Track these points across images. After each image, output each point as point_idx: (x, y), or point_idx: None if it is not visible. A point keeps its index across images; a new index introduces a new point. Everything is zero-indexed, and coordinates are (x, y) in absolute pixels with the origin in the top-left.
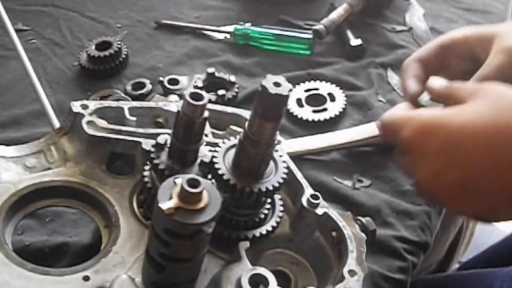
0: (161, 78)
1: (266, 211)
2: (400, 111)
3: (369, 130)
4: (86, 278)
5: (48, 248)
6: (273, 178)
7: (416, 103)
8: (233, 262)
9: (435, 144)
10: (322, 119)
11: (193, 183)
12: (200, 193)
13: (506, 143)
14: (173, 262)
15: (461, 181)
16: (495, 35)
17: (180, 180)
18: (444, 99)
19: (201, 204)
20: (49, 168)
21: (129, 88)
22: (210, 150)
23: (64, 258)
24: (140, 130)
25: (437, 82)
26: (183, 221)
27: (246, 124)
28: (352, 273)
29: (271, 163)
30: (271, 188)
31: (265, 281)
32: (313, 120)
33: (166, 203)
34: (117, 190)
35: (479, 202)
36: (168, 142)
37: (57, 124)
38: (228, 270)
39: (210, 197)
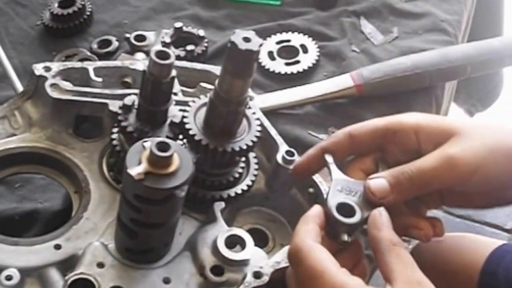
0: (127, 35)
1: (240, 170)
2: (326, 259)
3: (343, 81)
4: (58, 247)
5: (18, 215)
6: (246, 136)
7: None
8: (209, 223)
9: None
10: (295, 71)
11: (163, 146)
12: (170, 156)
13: None
14: (145, 227)
15: None
16: (453, 133)
17: (149, 143)
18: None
19: (172, 168)
20: (13, 134)
21: (95, 46)
22: (180, 110)
23: (35, 225)
24: (107, 91)
25: (380, 185)
26: (153, 186)
27: (216, 82)
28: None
29: (244, 121)
30: (244, 147)
31: (242, 242)
32: (285, 73)
33: (135, 169)
34: (86, 154)
35: None
36: (136, 103)
37: (20, 88)
38: (204, 232)
39: (181, 160)
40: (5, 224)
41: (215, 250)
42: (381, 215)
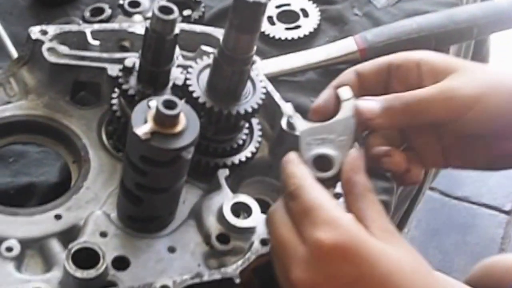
0: (121, 1)
1: (244, 137)
2: (323, 195)
3: (347, 45)
4: (58, 217)
5: (14, 189)
6: (251, 99)
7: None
8: (213, 191)
9: (348, 273)
10: (295, 37)
11: (169, 104)
12: (177, 115)
13: None
14: (150, 192)
15: None
16: (455, 69)
17: (155, 102)
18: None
19: (179, 128)
20: (9, 102)
21: (87, 14)
22: (182, 72)
23: (32, 199)
24: (105, 55)
25: (369, 105)
26: (160, 146)
27: (221, 39)
28: (338, 195)
29: (248, 83)
30: (250, 110)
31: (248, 209)
32: (286, 39)
33: (141, 128)
34: (84, 122)
35: None
36: (137, 65)
37: (15, 54)
38: (208, 200)
39: (188, 120)
40: (0, 199)
41: (220, 218)
42: (358, 158)
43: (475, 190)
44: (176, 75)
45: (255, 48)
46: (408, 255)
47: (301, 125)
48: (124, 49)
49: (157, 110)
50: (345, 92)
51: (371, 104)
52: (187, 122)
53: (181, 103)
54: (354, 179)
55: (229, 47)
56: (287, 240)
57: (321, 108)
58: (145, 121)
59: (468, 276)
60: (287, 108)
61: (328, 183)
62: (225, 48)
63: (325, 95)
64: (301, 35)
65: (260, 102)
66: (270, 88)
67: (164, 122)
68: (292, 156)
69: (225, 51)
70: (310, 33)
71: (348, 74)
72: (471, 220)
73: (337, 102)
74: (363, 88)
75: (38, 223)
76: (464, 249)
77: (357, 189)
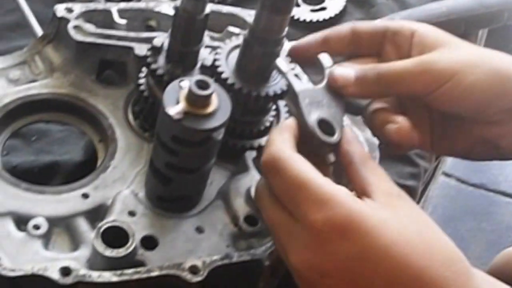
0: None
1: (271, 119)
2: (307, 168)
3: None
4: (86, 196)
5: (38, 168)
6: (280, 81)
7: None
8: (240, 173)
9: (349, 250)
10: (320, 19)
11: (202, 84)
12: (210, 96)
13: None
14: (180, 172)
15: None
16: (443, 44)
17: (187, 82)
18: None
19: (211, 109)
20: (34, 80)
21: None
22: (210, 53)
23: (56, 178)
24: (132, 34)
25: (344, 72)
26: (192, 127)
27: (252, 20)
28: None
29: None
30: (279, 91)
31: None
32: (311, 21)
33: (174, 108)
34: (110, 101)
35: None
36: (165, 44)
37: (39, 32)
38: (236, 181)
39: (220, 100)
40: (24, 177)
41: (249, 199)
42: (349, 130)
43: (492, 177)
44: (205, 55)
45: (286, 29)
46: (412, 220)
47: (298, 85)
48: (150, 28)
49: (190, 90)
50: (327, 60)
51: (346, 71)
52: (219, 103)
53: (213, 84)
54: (351, 150)
55: (261, 28)
56: (278, 221)
57: (300, 47)
58: (177, 102)
59: (490, 266)
60: None
61: (330, 150)
62: (256, 29)
63: (312, 38)
64: (327, 17)
65: None
66: (298, 70)
67: (197, 102)
68: (283, 122)
69: (256, 32)
70: (336, 15)
71: (344, 27)
72: (487, 207)
73: (319, 49)
74: (355, 45)
75: (66, 201)
76: (480, 236)
77: (356, 159)
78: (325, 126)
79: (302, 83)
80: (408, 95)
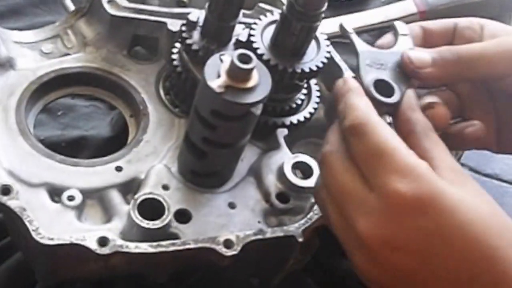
0: None
1: (302, 97)
2: (394, 136)
3: (406, 7)
4: (119, 169)
5: (65, 142)
6: (315, 58)
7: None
8: (271, 150)
9: (426, 226)
10: None
11: (244, 58)
12: (251, 70)
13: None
14: (216, 147)
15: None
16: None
17: (229, 56)
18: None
19: (251, 83)
20: (67, 54)
21: None
22: (244, 29)
23: (83, 152)
24: (165, 10)
25: (420, 54)
26: (233, 100)
27: None
28: None
29: (313, 42)
30: (314, 68)
31: (308, 169)
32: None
33: (215, 81)
34: (142, 76)
35: None
36: (201, 19)
37: (71, 7)
38: (268, 158)
39: (260, 76)
40: (52, 151)
41: (281, 176)
42: (414, 97)
43: (505, 167)
44: (239, 31)
45: (326, 4)
46: (483, 200)
47: (361, 45)
48: (181, 4)
49: (232, 63)
50: (402, 27)
51: (422, 53)
52: (259, 78)
53: (255, 58)
54: (414, 117)
55: (300, 3)
56: (351, 187)
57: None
58: (218, 75)
59: None
60: (347, 71)
61: (384, 111)
62: (296, 3)
63: (388, 38)
64: None
65: (325, 61)
66: (330, 48)
67: (238, 76)
68: (353, 83)
69: (296, 6)
70: None
71: (414, 26)
72: (500, 198)
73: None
74: (427, 43)
75: (99, 174)
76: None
77: (419, 127)
78: (383, 86)
79: (364, 44)
80: (487, 77)
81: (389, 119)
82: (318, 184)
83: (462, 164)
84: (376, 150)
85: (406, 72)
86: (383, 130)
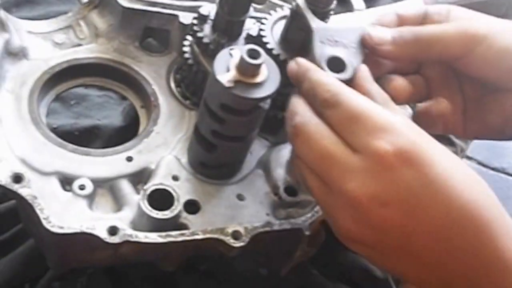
0: None
1: None
2: (366, 100)
3: (414, 5)
4: (129, 159)
5: (78, 131)
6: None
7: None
8: (280, 144)
9: (412, 178)
10: None
11: (253, 54)
12: (260, 65)
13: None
14: (225, 140)
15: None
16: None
17: (238, 51)
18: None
19: (260, 78)
20: (79, 45)
21: None
22: (255, 24)
23: (96, 141)
24: (177, 3)
25: (380, 32)
26: (242, 95)
27: None
28: None
29: None
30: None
31: None
32: None
33: (225, 76)
34: (154, 68)
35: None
36: (212, 13)
37: None
38: (277, 152)
39: (269, 71)
40: (64, 139)
41: (289, 170)
42: (367, 70)
43: None
44: (250, 26)
45: (335, 2)
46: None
47: (316, 21)
48: None
49: (241, 59)
50: (358, 2)
51: (383, 31)
52: (268, 73)
53: (264, 54)
54: (371, 89)
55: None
56: (334, 151)
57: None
58: (228, 70)
59: None
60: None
61: None
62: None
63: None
64: None
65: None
66: None
67: (247, 71)
68: (306, 62)
69: (305, 2)
70: None
71: (390, 15)
72: (507, 191)
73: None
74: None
75: (110, 163)
76: None
77: (378, 99)
78: (336, 62)
79: (318, 21)
80: (444, 57)
81: None
82: (292, 156)
83: (470, 158)
84: (354, 114)
85: (366, 48)
86: (356, 96)
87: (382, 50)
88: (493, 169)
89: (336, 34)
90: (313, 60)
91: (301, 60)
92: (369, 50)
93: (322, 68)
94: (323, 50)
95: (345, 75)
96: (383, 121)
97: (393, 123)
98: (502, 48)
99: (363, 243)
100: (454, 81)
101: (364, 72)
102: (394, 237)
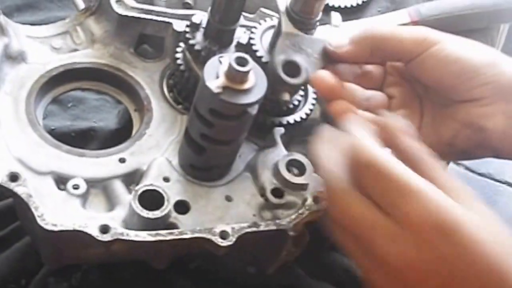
0: None
1: (299, 98)
2: (403, 167)
3: (399, 17)
4: (122, 160)
5: (74, 132)
6: None
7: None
8: (268, 148)
9: (449, 247)
10: (348, 5)
11: (241, 61)
12: (248, 72)
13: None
14: (214, 143)
15: None
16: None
17: (227, 58)
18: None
19: (248, 85)
20: (76, 50)
21: None
22: (245, 32)
23: (92, 143)
24: (171, 11)
25: (339, 39)
26: (230, 101)
27: (289, 1)
28: None
29: None
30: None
31: (302, 167)
32: (339, 7)
33: (214, 82)
34: (148, 73)
35: None
36: (204, 21)
37: (82, 5)
38: (264, 155)
39: (256, 77)
40: (61, 140)
41: (276, 173)
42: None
43: (499, 168)
44: (240, 34)
45: (320, 13)
46: (494, 219)
47: (287, 26)
48: (186, 6)
49: (230, 66)
50: (336, 18)
51: (341, 38)
52: (256, 80)
53: (251, 61)
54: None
55: (296, 10)
56: (370, 219)
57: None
58: (217, 76)
59: None
60: None
61: (287, 90)
62: (292, 10)
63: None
64: (354, 4)
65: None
66: None
67: (235, 77)
68: (355, 118)
69: (292, 13)
70: (363, 2)
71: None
72: (493, 196)
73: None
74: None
75: (103, 164)
76: None
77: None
78: (292, 67)
79: (291, 27)
80: (398, 55)
81: (288, 96)
82: (329, 218)
83: (458, 164)
84: (394, 186)
85: (327, 54)
86: (396, 167)
87: (342, 52)
88: (480, 174)
89: (303, 42)
90: (271, 60)
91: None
92: (330, 57)
93: (276, 69)
94: (285, 53)
95: (297, 80)
96: (420, 188)
97: (430, 192)
98: (452, 52)
99: None
100: (414, 101)
101: (322, 75)
102: None
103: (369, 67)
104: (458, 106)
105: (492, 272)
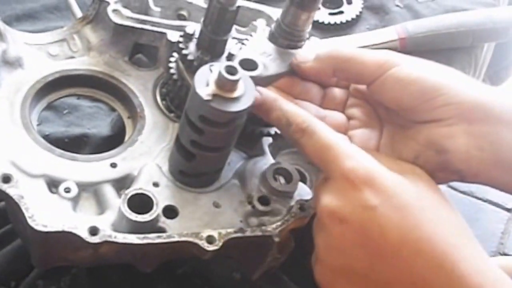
0: None
1: None
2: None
3: (388, 34)
4: (114, 165)
5: (68, 138)
6: None
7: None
8: (256, 156)
9: (369, 197)
10: (338, 22)
11: (231, 70)
12: (237, 81)
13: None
14: (204, 150)
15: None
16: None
17: (217, 67)
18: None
19: (237, 93)
20: (72, 57)
21: None
22: (237, 44)
23: (85, 149)
24: (165, 22)
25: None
26: (220, 108)
27: (280, 14)
28: None
29: None
30: None
31: (289, 175)
32: (328, 23)
33: (204, 89)
34: (141, 82)
35: None
36: (197, 32)
37: (79, 13)
38: (252, 164)
39: (245, 86)
40: (55, 146)
41: (263, 181)
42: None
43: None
44: (232, 45)
45: (310, 26)
46: (426, 187)
47: (262, 38)
48: (181, 17)
49: (220, 74)
50: (261, 24)
51: (308, 53)
52: (245, 89)
53: (241, 71)
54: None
55: (287, 22)
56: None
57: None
58: (207, 84)
59: None
60: None
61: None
62: (283, 23)
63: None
64: (343, 21)
65: None
66: None
67: (225, 86)
68: (274, 94)
69: (282, 25)
70: (352, 19)
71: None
72: (475, 214)
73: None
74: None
75: (95, 169)
76: None
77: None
78: (248, 63)
79: (263, 37)
80: (360, 77)
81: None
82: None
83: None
84: (327, 143)
85: (292, 68)
86: (326, 127)
87: (305, 67)
88: (462, 192)
89: (272, 51)
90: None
91: (264, 90)
92: (294, 69)
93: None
94: (248, 54)
95: (255, 73)
96: (350, 149)
97: (359, 151)
98: (411, 73)
99: (326, 261)
100: (374, 122)
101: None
102: (358, 259)
103: (333, 90)
104: (420, 127)
105: (406, 231)
